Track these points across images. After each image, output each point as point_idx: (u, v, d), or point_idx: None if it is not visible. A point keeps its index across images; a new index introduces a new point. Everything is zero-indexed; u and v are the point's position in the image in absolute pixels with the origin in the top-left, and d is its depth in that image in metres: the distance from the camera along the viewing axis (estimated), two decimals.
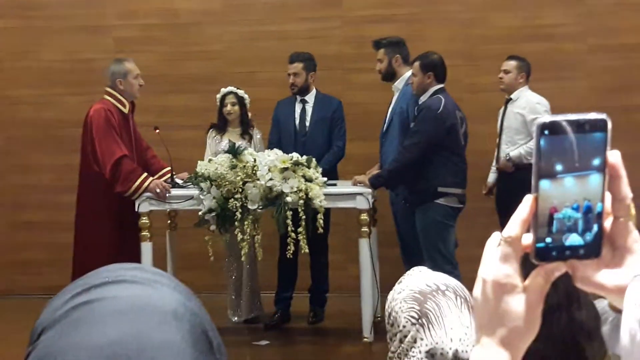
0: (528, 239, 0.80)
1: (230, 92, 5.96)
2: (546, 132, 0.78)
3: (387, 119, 5.76)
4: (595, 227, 0.78)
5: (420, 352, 1.65)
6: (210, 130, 6.05)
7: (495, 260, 0.82)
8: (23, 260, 7.08)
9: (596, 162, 0.78)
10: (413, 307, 1.69)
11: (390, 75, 5.76)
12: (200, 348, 0.77)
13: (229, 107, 5.94)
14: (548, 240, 0.78)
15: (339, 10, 6.87)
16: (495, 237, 0.84)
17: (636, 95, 6.58)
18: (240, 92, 5.98)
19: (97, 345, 0.73)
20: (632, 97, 6.58)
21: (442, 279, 1.77)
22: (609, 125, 0.78)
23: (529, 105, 5.88)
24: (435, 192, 5.26)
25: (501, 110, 6.04)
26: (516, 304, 0.81)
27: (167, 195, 5.36)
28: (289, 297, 6.09)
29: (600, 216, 0.79)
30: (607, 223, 0.80)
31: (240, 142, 5.77)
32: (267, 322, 5.99)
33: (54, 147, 7.00)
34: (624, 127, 6.36)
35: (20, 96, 7.11)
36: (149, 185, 5.32)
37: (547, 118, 0.79)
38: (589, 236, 0.78)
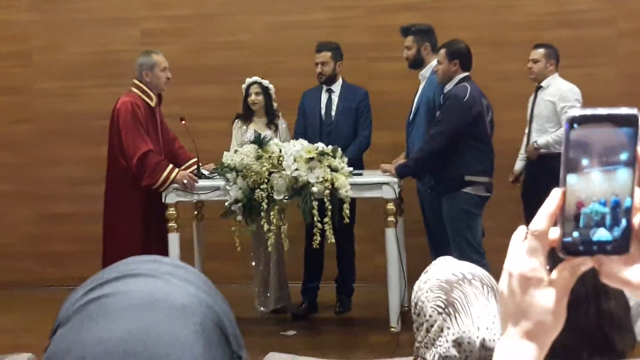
0: (555, 232, 0.80)
1: (255, 82, 5.97)
2: (575, 125, 0.77)
3: (413, 107, 5.73)
4: (623, 222, 0.78)
5: (447, 341, 1.65)
6: (236, 120, 6.06)
7: (522, 253, 0.82)
8: (52, 251, 7.16)
9: (624, 156, 0.77)
10: (439, 297, 1.69)
11: (418, 63, 5.72)
12: (211, 341, 0.77)
13: (253, 97, 5.94)
14: (575, 234, 0.78)
15: (363, 0, 6.84)
16: (521, 231, 0.83)
17: None
18: (265, 82, 5.98)
19: (105, 341, 0.74)
20: None
21: (468, 268, 1.76)
22: None
23: (559, 93, 5.81)
24: (462, 181, 5.22)
25: (531, 98, 5.98)
26: (542, 297, 0.81)
27: (194, 186, 5.38)
28: (315, 287, 6.10)
29: (629, 211, 0.78)
30: (636, 219, 0.79)
31: (265, 132, 5.77)
32: (295, 312, 6.00)
33: (83, 139, 7.06)
34: None
35: (49, 89, 7.17)
36: (175, 176, 5.35)
37: (577, 111, 0.78)
38: (617, 232, 0.78)
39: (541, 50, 5.90)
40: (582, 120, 0.77)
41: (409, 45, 5.74)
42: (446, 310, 1.67)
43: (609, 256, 0.79)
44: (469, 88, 5.24)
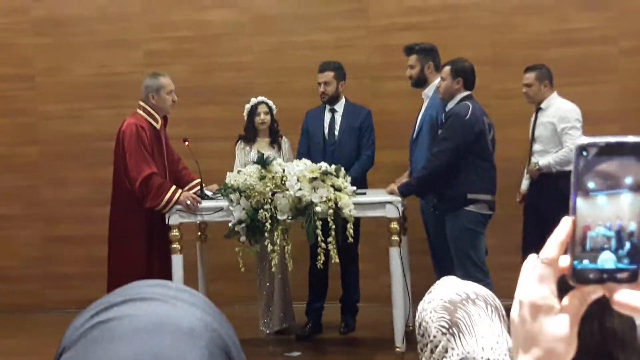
0: (565, 260, 0.81)
1: (262, 102, 5.99)
2: (584, 153, 0.79)
3: (416, 126, 5.74)
4: (627, 246, 0.79)
5: None
6: (239, 141, 6.07)
7: (533, 281, 0.82)
8: (56, 274, 7.15)
9: (629, 181, 0.78)
10: (443, 317, 1.68)
11: (421, 82, 5.73)
12: None
13: (262, 116, 5.96)
14: (585, 261, 0.79)
15: (365, 20, 6.87)
16: (532, 259, 0.84)
17: None
18: (270, 102, 6.02)
19: None
20: None
21: (472, 287, 1.75)
22: None
23: (559, 114, 5.79)
24: (465, 199, 5.21)
25: (532, 119, 5.97)
26: (552, 325, 0.81)
27: (198, 207, 5.38)
28: (320, 307, 6.07)
29: (635, 237, 0.79)
30: None
31: (269, 152, 5.78)
32: (299, 333, 5.98)
33: (87, 160, 7.07)
34: None
35: (53, 111, 7.20)
36: (179, 197, 5.35)
37: (586, 140, 0.80)
38: (623, 258, 0.79)
39: (532, 74, 5.89)
40: (592, 148, 0.80)
41: (413, 64, 5.75)
42: (450, 330, 1.66)
43: (619, 284, 0.80)
44: (470, 107, 5.24)
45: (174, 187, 5.41)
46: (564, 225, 0.80)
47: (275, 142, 6.03)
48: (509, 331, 1.70)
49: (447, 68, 5.38)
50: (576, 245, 0.79)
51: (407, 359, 5.18)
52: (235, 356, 0.80)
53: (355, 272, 6.11)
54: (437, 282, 1.84)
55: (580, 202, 0.79)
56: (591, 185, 0.79)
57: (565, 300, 0.82)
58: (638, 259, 0.79)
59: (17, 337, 6.31)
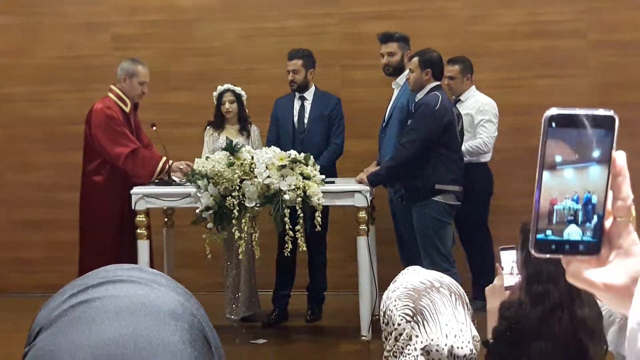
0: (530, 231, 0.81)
1: (228, 90, 5.93)
2: (554, 124, 0.79)
3: (386, 115, 5.73)
4: (595, 219, 0.79)
5: (415, 349, 1.64)
6: (208, 127, 6.02)
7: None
8: (21, 258, 7.05)
9: (597, 154, 0.78)
10: (407, 305, 1.67)
11: (399, 70, 5.72)
12: (199, 348, 0.76)
13: (227, 105, 5.91)
14: (548, 232, 0.79)
15: (336, 7, 6.84)
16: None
17: (636, 91, 6.55)
18: (237, 89, 5.95)
19: (93, 345, 0.72)
20: (632, 94, 6.54)
21: (436, 276, 1.75)
22: (617, 122, 0.79)
23: (477, 106, 5.95)
24: (433, 190, 5.22)
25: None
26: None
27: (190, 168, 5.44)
28: (286, 295, 6.06)
29: (601, 209, 0.79)
30: (608, 222, 0.80)
31: (238, 139, 5.74)
32: (265, 320, 5.96)
33: (52, 144, 6.97)
34: (623, 123, 6.32)
35: (18, 93, 7.07)
36: (170, 166, 5.43)
37: (556, 110, 0.79)
38: (588, 231, 0.79)
39: (456, 67, 5.98)
40: (560, 119, 0.78)
41: (393, 52, 5.73)
42: (414, 318, 1.66)
43: (579, 256, 0.80)
44: (440, 97, 5.25)
45: (164, 158, 5.46)
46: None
47: (244, 129, 5.99)
48: (472, 319, 1.70)
49: (415, 59, 5.38)
50: (541, 217, 0.79)
51: (373, 347, 5.19)
52: (212, 339, 0.80)
53: (322, 260, 6.11)
54: (402, 271, 1.83)
55: (546, 176, 0.79)
56: (558, 158, 0.78)
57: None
58: (600, 233, 0.79)
59: None
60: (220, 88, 5.97)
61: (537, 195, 0.79)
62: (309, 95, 6.04)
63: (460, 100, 5.98)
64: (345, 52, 6.78)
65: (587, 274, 0.80)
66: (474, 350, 1.66)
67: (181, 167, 5.46)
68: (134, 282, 0.79)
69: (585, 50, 6.65)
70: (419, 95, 5.38)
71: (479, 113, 5.89)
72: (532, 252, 0.80)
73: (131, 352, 0.72)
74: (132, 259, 5.37)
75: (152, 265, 5.43)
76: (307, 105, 6.03)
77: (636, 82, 6.56)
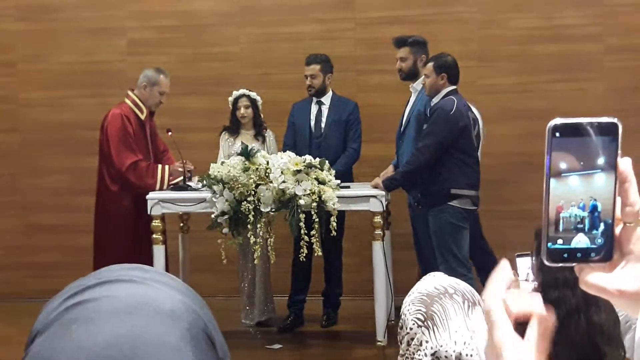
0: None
1: (243, 95, 5.94)
2: (557, 134, 0.80)
3: (404, 119, 5.72)
4: (602, 226, 0.80)
5: (425, 355, 1.64)
6: (223, 132, 6.04)
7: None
8: (35, 263, 7.09)
9: (601, 161, 0.79)
10: (420, 310, 1.68)
11: (412, 75, 5.69)
12: (200, 347, 0.75)
13: (242, 111, 5.92)
14: (559, 241, 0.80)
15: (352, 12, 6.84)
16: None
17: None
18: (253, 95, 5.96)
19: (90, 346, 0.71)
20: None
21: (452, 282, 1.74)
22: (620, 129, 0.79)
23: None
24: (449, 194, 5.20)
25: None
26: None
27: (191, 168, 5.48)
28: (302, 300, 6.05)
29: (609, 216, 0.80)
30: (618, 229, 0.81)
31: (253, 144, 5.74)
32: (281, 325, 5.96)
33: (68, 149, 7.01)
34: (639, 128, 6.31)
35: (34, 98, 7.12)
36: (170, 172, 5.46)
37: (559, 120, 0.80)
38: (598, 238, 0.80)
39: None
40: (563, 129, 0.80)
41: (405, 57, 5.71)
42: (425, 323, 1.66)
43: (591, 264, 0.81)
44: (455, 101, 5.23)
45: (160, 165, 5.50)
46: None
47: (259, 134, 5.99)
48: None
49: (430, 65, 5.37)
50: (549, 226, 0.80)
51: (388, 352, 5.17)
52: (216, 339, 0.79)
53: (338, 265, 6.10)
54: (423, 277, 1.83)
55: (553, 184, 0.79)
56: (563, 165, 0.79)
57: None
58: (611, 239, 0.80)
59: None
60: (235, 93, 5.98)
61: (546, 204, 0.80)
62: (327, 100, 6.04)
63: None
64: (361, 57, 6.78)
65: (600, 281, 0.80)
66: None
67: (179, 169, 5.50)
68: (133, 282, 0.78)
69: (601, 55, 6.62)
70: (435, 100, 5.37)
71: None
72: (545, 261, 0.81)
73: (129, 352, 0.71)
74: (148, 264, 5.37)
75: (167, 271, 5.44)
76: (325, 110, 6.03)
77: None
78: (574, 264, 0.81)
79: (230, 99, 6.00)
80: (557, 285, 2.01)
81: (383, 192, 5.33)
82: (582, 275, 0.81)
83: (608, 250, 0.80)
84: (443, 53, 5.49)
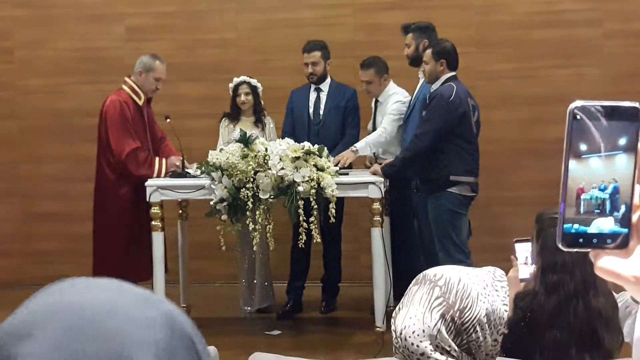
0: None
1: (244, 82, 5.93)
2: (578, 116, 0.79)
3: (410, 105, 5.71)
4: (623, 208, 0.79)
5: (392, 328, 1.67)
6: (223, 119, 6.03)
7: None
8: (35, 250, 7.09)
9: (623, 142, 0.78)
10: (409, 285, 1.72)
11: (417, 61, 5.68)
12: (176, 332, 0.72)
13: (242, 97, 5.91)
14: (576, 225, 0.79)
15: None
16: None
17: None
18: (253, 81, 5.95)
19: (62, 309, 0.69)
20: None
21: (453, 276, 1.69)
22: None
23: (389, 105, 5.79)
24: (447, 181, 5.20)
25: (372, 113, 5.97)
26: None
27: (186, 165, 5.46)
28: (301, 286, 6.06)
29: (628, 199, 0.79)
30: (635, 216, 0.80)
31: (253, 131, 5.74)
32: (280, 311, 5.97)
33: (67, 136, 7.00)
34: None
35: (33, 85, 7.10)
36: (167, 165, 5.46)
37: (580, 103, 0.80)
38: (616, 221, 0.79)
39: (371, 72, 5.79)
40: (584, 111, 0.79)
41: (409, 43, 5.73)
42: (402, 301, 1.69)
43: (607, 250, 0.80)
44: (455, 87, 5.22)
45: (157, 158, 5.48)
46: None
47: (259, 121, 5.99)
48: (447, 329, 1.67)
49: (428, 51, 5.35)
50: (570, 207, 0.79)
51: (387, 338, 5.18)
52: (194, 334, 0.75)
53: (337, 252, 6.11)
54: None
55: (573, 165, 0.79)
56: (583, 147, 0.78)
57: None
58: (628, 226, 0.79)
59: None
60: (236, 80, 5.97)
61: (564, 186, 0.79)
62: (325, 86, 6.03)
63: (379, 101, 5.88)
64: (360, 43, 6.75)
65: (615, 267, 0.80)
66: (428, 353, 1.64)
67: (177, 163, 5.47)
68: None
69: (600, 40, 6.60)
70: (434, 86, 5.36)
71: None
72: (560, 245, 0.80)
73: (104, 318, 0.68)
74: (147, 251, 5.40)
75: (166, 257, 5.46)
76: (323, 97, 6.02)
77: None
78: (589, 250, 0.80)
79: (231, 85, 5.98)
80: (555, 270, 2.01)
81: (382, 179, 5.33)
82: (598, 260, 0.80)
83: (624, 237, 0.79)
84: (442, 39, 5.48)
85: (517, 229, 2.90)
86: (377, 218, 5.32)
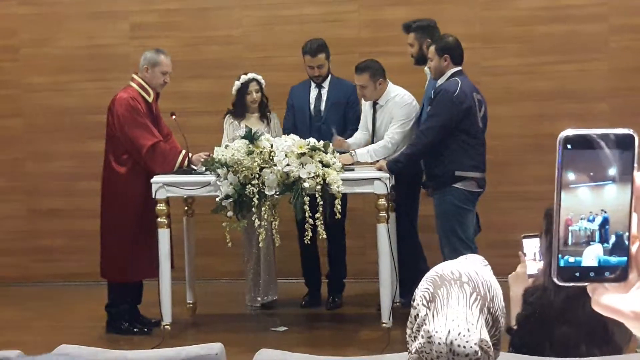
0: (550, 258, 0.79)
1: (254, 79, 5.92)
2: (569, 146, 0.77)
3: (423, 102, 5.69)
4: (613, 238, 0.76)
5: (422, 336, 1.65)
6: (227, 115, 6.02)
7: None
8: (41, 247, 7.10)
9: (613, 172, 0.75)
10: (428, 289, 1.69)
11: (423, 59, 5.64)
12: None
13: (254, 95, 5.90)
14: (570, 257, 0.77)
15: None
16: None
17: None
18: (260, 78, 5.96)
19: None
20: None
21: (470, 270, 1.71)
22: (637, 141, 0.76)
23: (395, 108, 5.68)
24: (453, 177, 5.19)
25: (370, 116, 5.82)
26: None
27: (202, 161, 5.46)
28: (318, 279, 6.12)
29: (622, 230, 0.76)
30: (634, 247, 0.76)
31: (259, 127, 5.74)
32: (301, 302, 6.05)
33: (73, 134, 7.00)
34: None
35: (38, 83, 7.11)
36: (191, 158, 5.47)
37: (571, 131, 0.77)
38: (611, 255, 0.76)
39: (365, 76, 5.64)
40: (575, 140, 0.76)
41: (411, 43, 5.70)
42: (429, 304, 1.66)
43: (605, 283, 0.77)
44: (459, 83, 5.21)
45: (183, 151, 5.49)
46: None
47: (264, 117, 5.99)
48: (487, 323, 1.67)
49: (432, 48, 5.35)
50: (560, 240, 0.76)
51: (394, 334, 5.18)
52: None
53: (342, 248, 6.11)
54: (458, 257, 1.83)
55: (562, 196, 0.76)
56: (572, 177, 0.76)
57: None
58: (625, 253, 0.76)
59: (1, 310, 6.27)
60: (244, 77, 5.93)
61: (557, 218, 0.77)
62: (325, 82, 6.02)
63: (377, 103, 5.74)
64: (365, 39, 6.74)
65: (614, 302, 0.77)
66: (480, 353, 1.65)
67: (202, 159, 5.45)
68: None
69: (606, 35, 6.58)
70: (440, 82, 5.35)
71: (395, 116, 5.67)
72: (556, 280, 0.78)
73: None
74: (153, 248, 5.40)
75: (172, 254, 5.46)
76: (324, 93, 6.01)
77: None
78: (586, 284, 0.77)
79: (238, 82, 5.95)
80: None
81: (387, 175, 5.33)
82: (595, 296, 0.77)
83: (623, 270, 0.76)
84: (445, 34, 5.48)
85: (524, 225, 2.90)
86: (383, 214, 5.32)
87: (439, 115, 5.17)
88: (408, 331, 1.72)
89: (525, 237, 2.51)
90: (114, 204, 5.50)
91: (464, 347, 1.60)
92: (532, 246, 2.46)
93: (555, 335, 1.77)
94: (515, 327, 1.89)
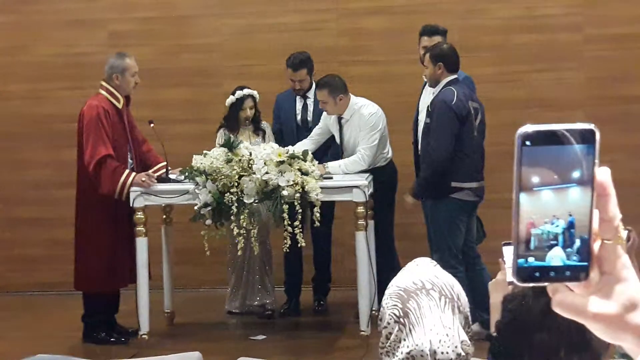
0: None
1: (250, 96, 5.87)
2: (528, 142, 0.73)
3: (419, 105, 5.66)
4: (578, 242, 0.73)
5: (402, 353, 1.66)
6: (221, 129, 5.96)
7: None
8: (17, 256, 7.03)
9: (577, 174, 0.72)
10: (396, 305, 1.70)
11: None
12: None
13: (248, 112, 5.86)
14: (531, 259, 0.74)
15: (334, 3, 6.82)
16: None
17: (633, 85, 6.55)
18: (254, 93, 5.90)
19: None
20: (629, 88, 6.55)
21: (431, 276, 1.74)
22: (597, 136, 0.72)
23: (362, 121, 5.68)
24: (449, 187, 5.17)
25: (337, 130, 5.81)
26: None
27: (154, 182, 5.30)
28: (298, 287, 6.10)
29: (586, 232, 0.73)
30: (596, 245, 0.74)
31: (256, 139, 5.75)
32: (280, 310, 6.01)
33: (48, 142, 6.95)
34: (621, 117, 6.37)
35: (14, 91, 7.06)
36: (133, 180, 5.28)
37: (529, 128, 0.73)
38: (572, 255, 0.73)
39: (324, 92, 5.62)
40: (535, 137, 0.73)
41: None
42: (401, 320, 1.67)
43: (566, 283, 0.74)
44: (455, 92, 5.16)
45: (127, 171, 5.34)
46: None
47: (259, 129, 5.97)
48: (461, 323, 1.69)
49: (427, 56, 5.32)
50: (522, 243, 0.73)
51: (372, 342, 5.19)
52: None
53: (328, 251, 6.13)
54: (408, 264, 1.83)
55: (523, 198, 0.73)
56: (535, 179, 0.72)
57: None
58: (589, 256, 0.73)
59: None
60: (240, 93, 5.86)
61: (515, 220, 0.73)
62: (311, 93, 6.02)
63: (343, 117, 5.72)
64: (344, 47, 6.77)
65: (574, 303, 0.74)
66: (463, 354, 1.67)
67: (143, 179, 5.27)
68: None
69: (581, 44, 6.66)
70: (435, 90, 5.32)
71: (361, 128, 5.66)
72: (514, 280, 0.74)
73: None
74: (129, 257, 5.37)
75: (150, 264, 5.44)
76: (310, 104, 6.02)
77: (632, 76, 6.58)
78: (546, 284, 0.74)
79: (233, 97, 5.90)
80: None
81: (366, 182, 5.35)
82: (556, 296, 0.74)
83: (584, 269, 0.73)
84: (439, 42, 5.48)
85: (504, 232, 2.92)
86: (362, 222, 5.34)
87: (443, 128, 5.13)
88: (380, 349, 1.73)
89: (505, 244, 2.52)
90: (87, 213, 5.45)
91: (447, 352, 1.61)
92: (511, 253, 2.47)
93: (535, 342, 1.79)
94: (494, 334, 1.91)
